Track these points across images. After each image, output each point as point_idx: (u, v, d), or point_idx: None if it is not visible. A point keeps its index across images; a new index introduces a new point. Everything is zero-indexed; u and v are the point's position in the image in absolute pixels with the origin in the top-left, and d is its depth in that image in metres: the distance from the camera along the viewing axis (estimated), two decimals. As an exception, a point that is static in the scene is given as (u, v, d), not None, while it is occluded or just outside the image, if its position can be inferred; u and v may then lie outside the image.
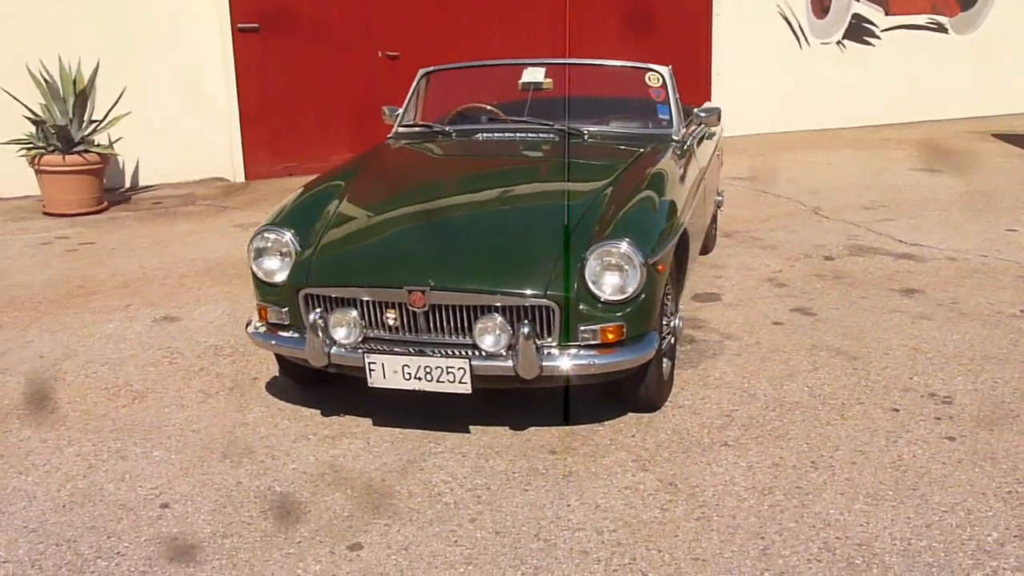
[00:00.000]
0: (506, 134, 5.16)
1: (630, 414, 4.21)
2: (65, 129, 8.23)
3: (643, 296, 3.79)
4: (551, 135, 5.07)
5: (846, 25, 12.34)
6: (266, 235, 4.09)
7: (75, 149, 8.25)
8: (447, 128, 5.27)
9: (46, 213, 8.39)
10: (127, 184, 9.53)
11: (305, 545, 3.28)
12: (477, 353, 3.73)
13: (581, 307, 3.74)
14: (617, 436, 4.02)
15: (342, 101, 10.08)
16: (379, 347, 3.84)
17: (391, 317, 3.84)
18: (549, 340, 3.77)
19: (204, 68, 9.51)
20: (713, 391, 4.45)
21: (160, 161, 9.47)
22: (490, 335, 3.70)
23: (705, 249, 6.58)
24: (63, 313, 5.72)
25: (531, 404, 4.21)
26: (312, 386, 4.42)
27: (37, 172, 8.33)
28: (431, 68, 5.57)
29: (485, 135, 5.18)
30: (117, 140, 8.75)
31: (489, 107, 5.36)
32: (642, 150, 4.86)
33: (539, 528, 3.35)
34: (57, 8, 8.81)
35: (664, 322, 4.22)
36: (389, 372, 3.78)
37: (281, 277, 4.03)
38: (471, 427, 4.10)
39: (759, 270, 6.32)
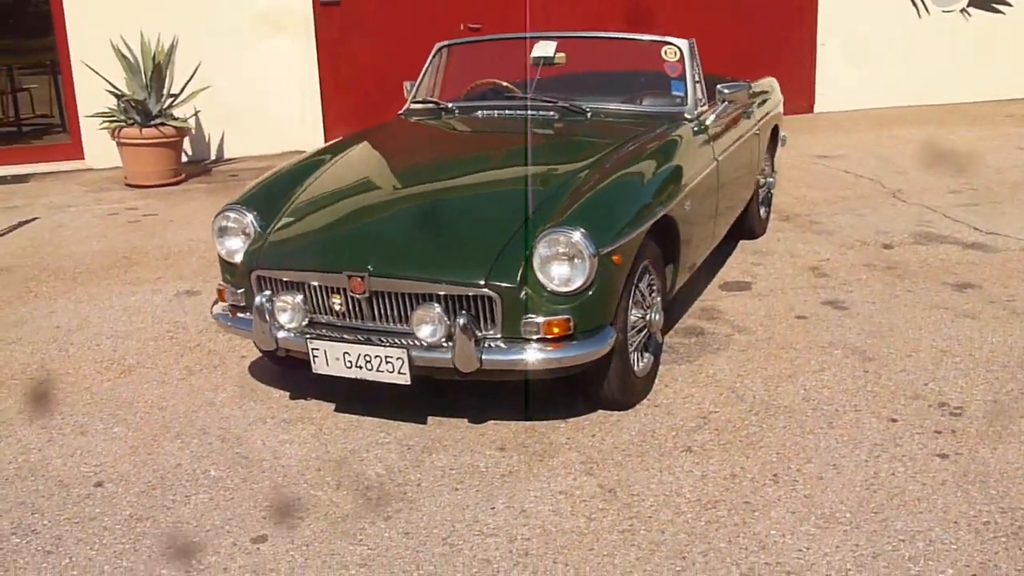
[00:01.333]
0: (507, 111, 4.93)
1: (600, 412, 3.97)
2: (143, 103, 8.44)
3: (594, 288, 3.53)
4: (552, 113, 4.81)
5: (972, -10, 11.42)
6: (228, 214, 4.02)
7: (152, 122, 8.45)
8: (450, 105, 5.08)
9: (127, 185, 8.64)
10: (212, 156, 9.74)
11: (212, 534, 3.21)
12: (417, 343, 3.56)
13: (526, 298, 3.51)
14: (575, 435, 3.79)
15: (423, 74, 9.98)
16: (324, 333, 3.72)
17: (337, 303, 3.71)
18: (491, 332, 3.56)
19: (286, 42, 9.58)
20: (699, 389, 4.15)
21: (243, 134, 9.63)
22: (427, 325, 3.52)
23: (752, 233, 6.19)
24: (96, 284, 5.85)
25: (503, 395, 4.02)
26: (288, 367, 4.34)
27: (118, 144, 8.58)
28: (447, 42, 5.38)
29: (485, 112, 4.97)
30: (194, 114, 8.95)
31: (504, 83, 5.13)
32: (643, 129, 4.55)
33: (451, 531, 3.18)
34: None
35: (641, 315, 3.95)
36: (331, 359, 3.66)
37: (240, 257, 3.96)
38: (429, 418, 3.95)
39: (805, 257, 5.89)
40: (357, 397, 4.04)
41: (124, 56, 8.48)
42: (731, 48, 10.66)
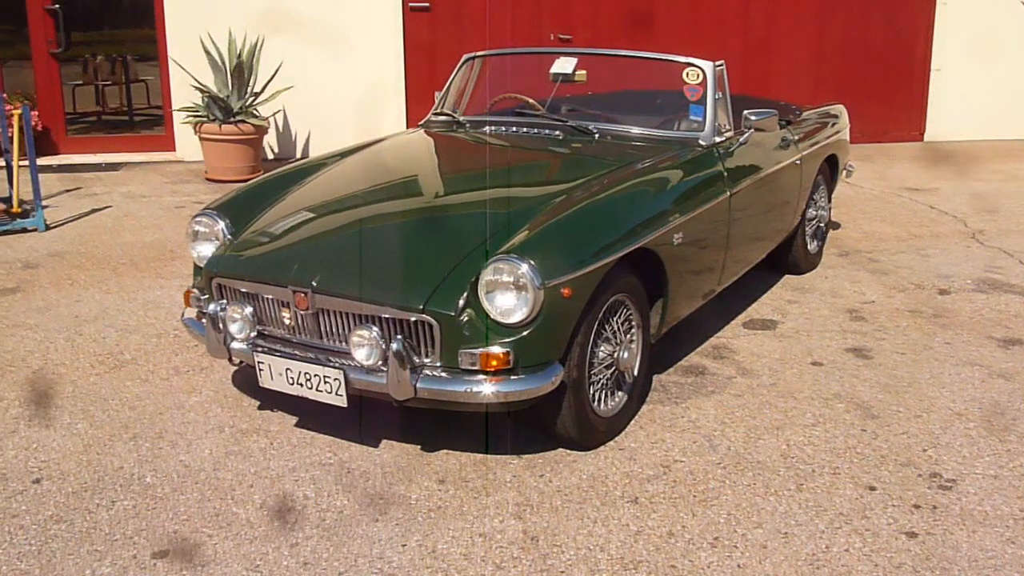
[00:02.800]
0: (513, 128, 4.74)
1: (561, 450, 3.75)
2: (225, 100, 8.61)
3: (539, 322, 3.32)
4: (557, 133, 4.60)
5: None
6: (201, 219, 4.00)
7: (233, 119, 8.61)
8: (462, 119, 4.93)
9: (207, 179, 8.83)
10: (298, 155, 9.86)
11: (117, 544, 3.16)
12: (355, 365, 3.44)
13: (465, 327, 3.33)
14: (524, 473, 3.59)
15: (510, 82, 9.89)
16: (272, 347, 3.63)
17: (287, 317, 3.62)
18: (430, 360, 3.40)
19: (375, 46, 9.62)
20: (673, 435, 3.88)
21: (329, 133, 9.68)
22: (364, 348, 3.39)
23: (797, 268, 5.82)
24: (132, 275, 5.96)
25: (471, 423, 3.85)
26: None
27: (200, 139, 8.78)
28: (473, 54, 5.24)
29: (493, 128, 4.79)
30: (276, 113, 9.08)
31: (526, 98, 4.95)
32: (649, 154, 4.30)
33: (349, 566, 3.03)
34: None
35: (609, 351, 3.72)
36: (275, 374, 3.58)
37: (207, 263, 3.92)
38: (383, 441, 3.82)
39: (847, 298, 5.49)
40: (326, 412, 3.92)
41: (209, 53, 8.66)
42: (838, 72, 10.22)
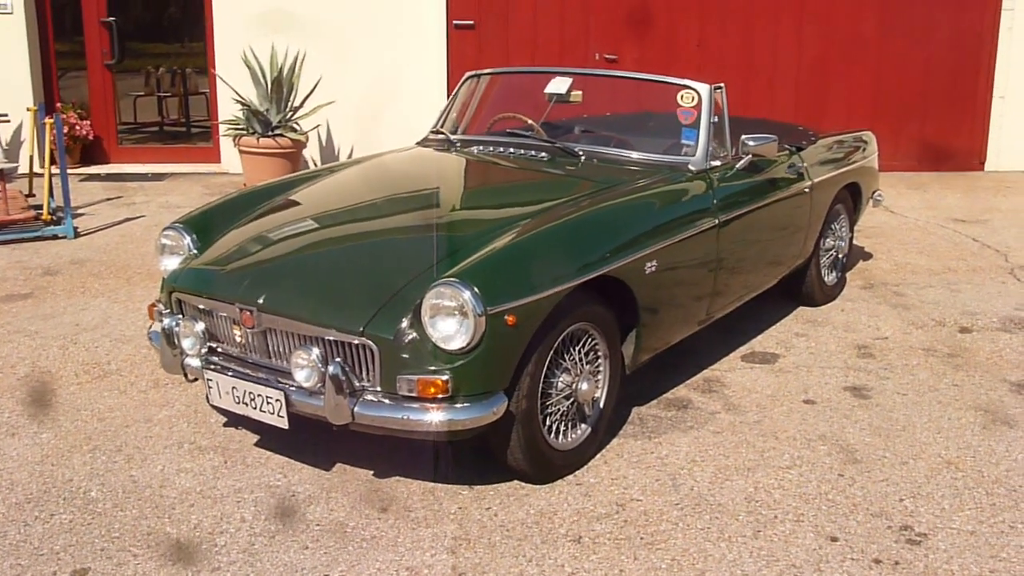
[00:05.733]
0: (499, 148, 4.63)
1: (516, 482, 3.62)
2: (264, 113, 8.69)
3: (481, 350, 3.20)
4: (543, 154, 4.48)
5: None
6: (168, 233, 3.99)
7: (271, 133, 8.69)
8: (453, 138, 4.84)
9: (245, 189, 8.91)
10: (339, 168, 9.90)
11: (42, 559, 3.13)
12: (297, 387, 3.36)
13: (404, 353, 3.23)
14: (471, 505, 3.47)
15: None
16: (226, 365, 3.58)
17: (238, 335, 3.57)
18: (370, 385, 3.30)
19: (420, 63, 9.61)
20: (638, 471, 3.71)
21: (373, 147, 9.69)
22: (303, 370, 3.32)
23: (812, 300, 5.58)
24: (143, 286, 6.01)
25: (433, 451, 3.74)
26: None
27: (239, 152, 8.87)
28: (475, 72, 5.16)
29: (480, 148, 4.69)
30: (317, 126, 9.15)
31: (524, 118, 4.83)
32: (632, 177, 4.16)
33: (264, 594, 2.95)
34: (287, 2, 9.32)
35: (570, 382, 3.58)
36: (223, 392, 3.53)
37: (172, 277, 3.90)
38: (337, 464, 3.74)
39: (860, 333, 5.24)
40: (286, 433, 3.80)
41: (250, 67, 8.76)
42: (897, 96, 9.87)
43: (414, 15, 9.54)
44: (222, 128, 9.08)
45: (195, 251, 3.92)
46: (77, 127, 9.65)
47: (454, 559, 3.14)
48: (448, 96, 9.59)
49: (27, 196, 7.80)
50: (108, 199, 8.51)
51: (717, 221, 4.24)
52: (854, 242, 6.23)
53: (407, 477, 3.64)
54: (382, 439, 3.48)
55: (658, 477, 3.68)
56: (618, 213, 3.83)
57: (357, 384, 3.30)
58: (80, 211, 7.85)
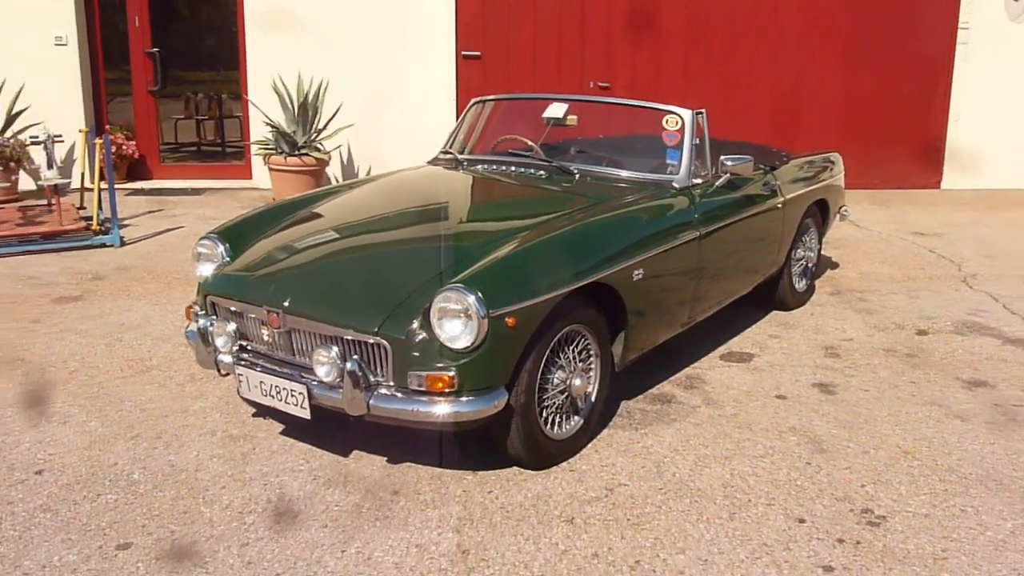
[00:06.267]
0: (502, 167, 4.64)
1: (515, 468, 3.62)
2: (291, 135, 8.71)
3: (484, 348, 3.21)
4: (541, 172, 4.49)
5: (1125, 77, 9.95)
6: (204, 242, 4.00)
7: (297, 152, 8.71)
8: (460, 157, 4.85)
9: (275, 203, 8.92)
10: (359, 184, 9.91)
11: (89, 535, 3.14)
12: (318, 382, 3.37)
13: (415, 351, 3.24)
14: (474, 489, 3.47)
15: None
16: (254, 361, 3.59)
17: (265, 334, 3.58)
18: (384, 380, 3.31)
19: (431, 89, 9.63)
20: (626, 459, 3.71)
21: (387, 166, 9.70)
22: (324, 366, 3.33)
23: (784, 305, 5.58)
24: (180, 289, 6.02)
25: (440, 439, 3.74)
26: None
27: (269, 169, 8.89)
28: (481, 98, 5.16)
29: (484, 167, 4.70)
30: (339, 147, 9.16)
31: (524, 140, 4.83)
32: (622, 194, 4.17)
33: (288, 568, 2.96)
34: (314, 37, 9.34)
35: (563, 378, 3.58)
36: (252, 385, 3.54)
37: (207, 282, 3.91)
38: (355, 451, 3.74)
39: (828, 335, 5.23)
40: (308, 423, 3.81)
41: (279, 93, 8.78)
42: (863, 122, 9.85)
43: (429, 47, 9.55)
44: (253, 148, 9.11)
45: (228, 259, 3.93)
46: (124, 147, 9.67)
47: (459, 537, 3.15)
48: (456, 119, 9.64)
49: (78, 209, 7.82)
50: (150, 212, 8.52)
51: (698, 233, 4.24)
52: (823, 253, 6.22)
53: (416, 463, 3.65)
54: (394, 429, 3.49)
55: (644, 464, 3.68)
56: (609, 226, 3.84)
57: (372, 379, 3.30)
58: (125, 222, 7.87)
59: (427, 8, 9.46)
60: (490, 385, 3.27)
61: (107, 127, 9.58)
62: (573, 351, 3.63)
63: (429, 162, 5.06)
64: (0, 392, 4.31)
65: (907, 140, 10.04)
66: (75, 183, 8.50)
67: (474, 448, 3.71)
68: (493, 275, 3.31)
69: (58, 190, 7.44)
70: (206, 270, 3.95)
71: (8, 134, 8.71)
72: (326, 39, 9.36)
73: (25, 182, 9.17)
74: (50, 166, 7.21)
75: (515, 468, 3.62)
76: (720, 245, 4.45)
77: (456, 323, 3.20)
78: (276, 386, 3.45)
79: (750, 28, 9.75)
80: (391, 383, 3.30)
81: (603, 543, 3.12)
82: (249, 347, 3.66)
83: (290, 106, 8.79)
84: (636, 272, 3.81)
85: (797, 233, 5.42)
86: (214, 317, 3.71)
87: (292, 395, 3.41)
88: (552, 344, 3.48)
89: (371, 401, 3.26)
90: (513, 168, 4.60)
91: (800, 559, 3.03)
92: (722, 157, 4.46)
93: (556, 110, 4.69)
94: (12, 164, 8.76)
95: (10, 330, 5.16)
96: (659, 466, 3.67)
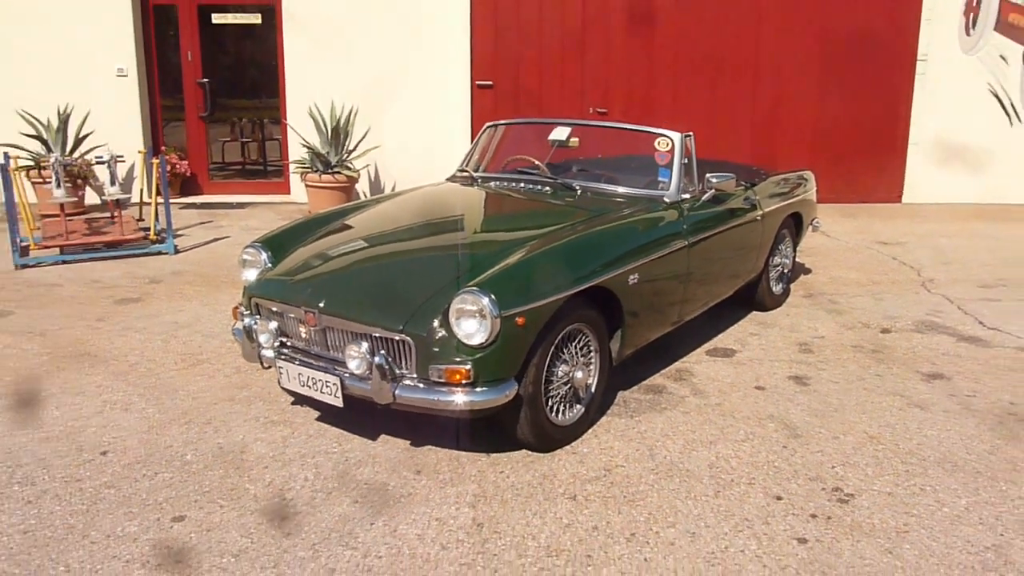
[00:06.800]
0: (512, 183, 4.64)
1: (524, 451, 3.62)
2: (325, 155, 8.73)
3: (497, 345, 3.21)
4: (547, 188, 4.49)
5: (1067, 104, 9.91)
6: (248, 250, 4.01)
7: (330, 171, 8.72)
8: (475, 175, 4.86)
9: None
10: (385, 199, 9.92)
11: (148, 508, 3.15)
12: (350, 374, 3.38)
13: (435, 347, 3.24)
14: (488, 469, 3.47)
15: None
16: (293, 355, 3.60)
17: (303, 331, 3.59)
18: (408, 372, 3.31)
19: (448, 115, 9.64)
20: (622, 443, 3.71)
21: (411, 182, 9.72)
22: (355, 360, 3.33)
23: (763, 306, 5.56)
24: (227, 291, 6.03)
25: (458, 425, 3.74)
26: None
27: (305, 185, 8.91)
28: (494, 122, 5.17)
29: (497, 184, 4.70)
30: (367, 166, 9.18)
31: (532, 159, 4.84)
32: (618, 208, 4.16)
33: (323, 538, 2.96)
34: (346, 68, 9.36)
35: (566, 371, 3.57)
36: (291, 377, 3.54)
37: (251, 285, 3.92)
38: (382, 436, 3.75)
39: (802, 333, 5.22)
40: (341, 410, 3.86)
41: (314, 118, 8.81)
42: (834, 144, 9.83)
43: (448, 78, 9.56)
44: (291, 167, 9.13)
45: (270, 265, 3.94)
46: (177, 166, 9.71)
47: (474, 512, 3.15)
48: (471, 141, 9.65)
49: (137, 220, 7.85)
50: (201, 223, 8.55)
51: (687, 242, 4.23)
52: (797, 260, 6.21)
53: (436, 446, 3.65)
54: (416, 416, 3.49)
55: (638, 448, 3.67)
56: (607, 236, 3.84)
57: (397, 372, 3.31)
58: (179, 232, 7.90)
59: (447, 44, 9.48)
60: (502, 377, 3.27)
61: (162, 148, 9.63)
62: (575, 347, 3.63)
63: (447, 179, 5.07)
64: (71, 382, 4.33)
65: (872, 159, 10.01)
66: (134, 198, 8.55)
67: (487, 433, 3.71)
68: (505, 279, 3.32)
69: (119, 204, 7.47)
70: (250, 275, 3.96)
71: (76, 155, 8.75)
72: (356, 70, 9.38)
73: (91, 197, 9.21)
74: (113, 183, 7.23)
75: (524, 451, 3.61)
76: (706, 253, 4.44)
77: (472, 322, 3.21)
78: (312, 377, 3.46)
79: (732, 61, 9.73)
80: (414, 375, 3.30)
81: (602, 517, 3.11)
82: (288, 343, 3.67)
83: (324, 130, 8.80)
84: (632, 277, 3.81)
85: (774, 242, 5.41)
86: (258, 317, 3.73)
87: (327, 386, 3.42)
88: (556, 341, 3.48)
89: (396, 391, 3.27)
90: (522, 184, 4.60)
91: (777, 532, 3.03)
92: (707, 175, 4.46)
93: (560, 133, 4.70)
94: (79, 181, 8.80)
95: (79, 328, 5.19)
96: (652, 449, 3.66)
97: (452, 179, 5.04)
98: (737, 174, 4.76)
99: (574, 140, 4.70)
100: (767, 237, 5.23)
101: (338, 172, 8.73)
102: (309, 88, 9.29)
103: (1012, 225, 8.76)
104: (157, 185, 7.42)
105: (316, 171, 8.74)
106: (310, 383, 3.47)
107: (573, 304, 3.50)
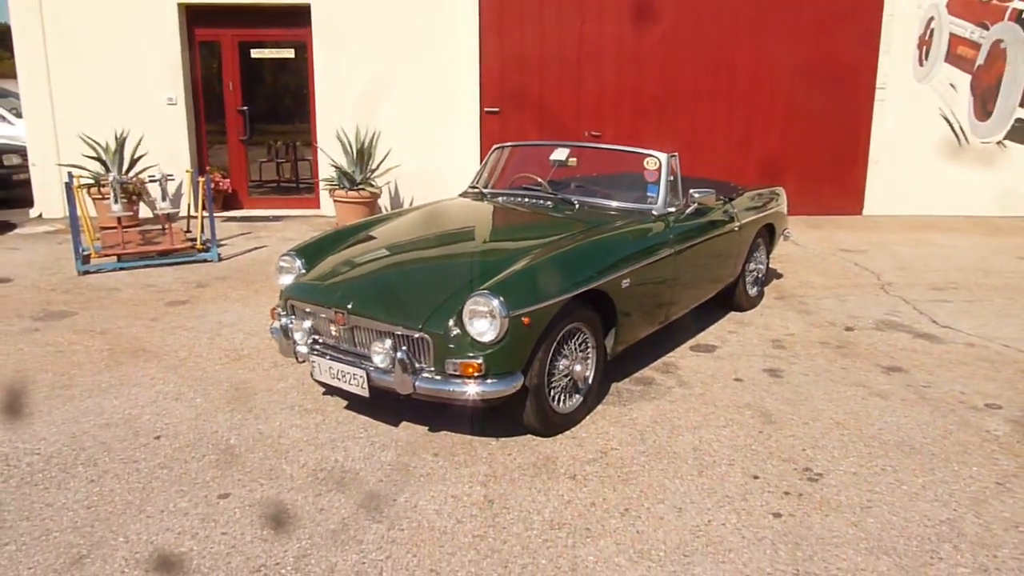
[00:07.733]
0: (517, 198, 4.65)
1: (529, 435, 3.62)
2: (351, 174, 8.74)
3: (505, 342, 3.21)
4: (548, 203, 4.49)
5: (1009, 127, 9.87)
6: (284, 258, 4.01)
7: (355, 187, 8.73)
8: (485, 191, 4.86)
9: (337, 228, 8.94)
10: (404, 213, 9.92)
11: (197, 486, 3.16)
12: (374, 368, 3.38)
13: (451, 343, 3.25)
14: (498, 452, 3.46)
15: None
16: (325, 351, 3.60)
17: (334, 329, 3.59)
18: (427, 366, 3.31)
19: (459, 139, 9.64)
20: (616, 429, 3.70)
21: (428, 197, 9.73)
22: (379, 355, 3.34)
23: (740, 307, 5.55)
24: (266, 294, 6.03)
25: (471, 413, 3.74)
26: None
27: (333, 201, 8.92)
28: (501, 144, 5.17)
29: (504, 199, 4.70)
30: (387, 183, 9.18)
31: (535, 177, 4.85)
32: (612, 220, 4.16)
33: (352, 512, 2.97)
34: (371, 99, 9.37)
35: (566, 365, 3.57)
36: (323, 370, 3.55)
37: (287, 290, 3.92)
38: (403, 422, 3.74)
39: (775, 331, 5.21)
40: (368, 400, 3.84)
41: (341, 141, 8.82)
42: (800, 161, 9.82)
43: (460, 105, 9.56)
44: (321, 184, 9.14)
45: (303, 271, 3.94)
46: (220, 183, 9.73)
47: (485, 490, 3.15)
48: (481, 161, 9.65)
49: (186, 232, 7.87)
50: (242, 234, 8.56)
51: (673, 251, 4.23)
52: (770, 266, 6.20)
53: (452, 432, 3.65)
54: (434, 404, 3.49)
55: (631, 433, 3.67)
56: (602, 245, 3.83)
57: (417, 365, 3.31)
58: (222, 242, 7.91)
59: (459, 76, 9.49)
60: (510, 370, 3.27)
61: (207, 168, 9.66)
62: (574, 343, 3.63)
63: (460, 195, 5.07)
64: (128, 374, 4.34)
65: (836, 176, 10.00)
66: (183, 212, 8.56)
67: (497, 419, 3.71)
68: (512, 284, 3.32)
69: (170, 217, 7.49)
70: (286, 280, 3.96)
71: (131, 174, 8.78)
72: (376, 100, 9.39)
73: (144, 211, 9.23)
74: (163, 199, 7.26)
75: (529, 435, 3.61)
76: (690, 260, 4.43)
77: (483, 322, 3.21)
78: (342, 371, 3.46)
79: (711, 90, 9.73)
80: (432, 368, 3.31)
81: (599, 495, 3.11)
82: (320, 340, 3.68)
83: (350, 151, 8.82)
84: (624, 281, 3.80)
85: (750, 250, 5.40)
86: (293, 317, 3.73)
87: (354, 378, 3.42)
88: (558, 338, 3.48)
89: (416, 383, 3.27)
90: (526, 199, 4.60)
91: (755, 507, 3.02)
92: (691, 190, 4.45)
93: (560, 154, 4.70)
94: (134, 197, 8.83)
95: (135, 327, 5.20)
96: (642, 434, 3.66)
97: (464, 195, 5.05)
98: (717, 190, 4.76)
99: (572, 160, 4.70)
100: (744, 246, 5.23)
101: (362, 189, 8.73)
102: (336, 114, 9.30)
103: (961, 235, 8.73)
104: (203, 201, 7.44)
105: (343, 188, 8.75)
106: (339, 376, 3.47)
107: (573, 305, 3.50)
